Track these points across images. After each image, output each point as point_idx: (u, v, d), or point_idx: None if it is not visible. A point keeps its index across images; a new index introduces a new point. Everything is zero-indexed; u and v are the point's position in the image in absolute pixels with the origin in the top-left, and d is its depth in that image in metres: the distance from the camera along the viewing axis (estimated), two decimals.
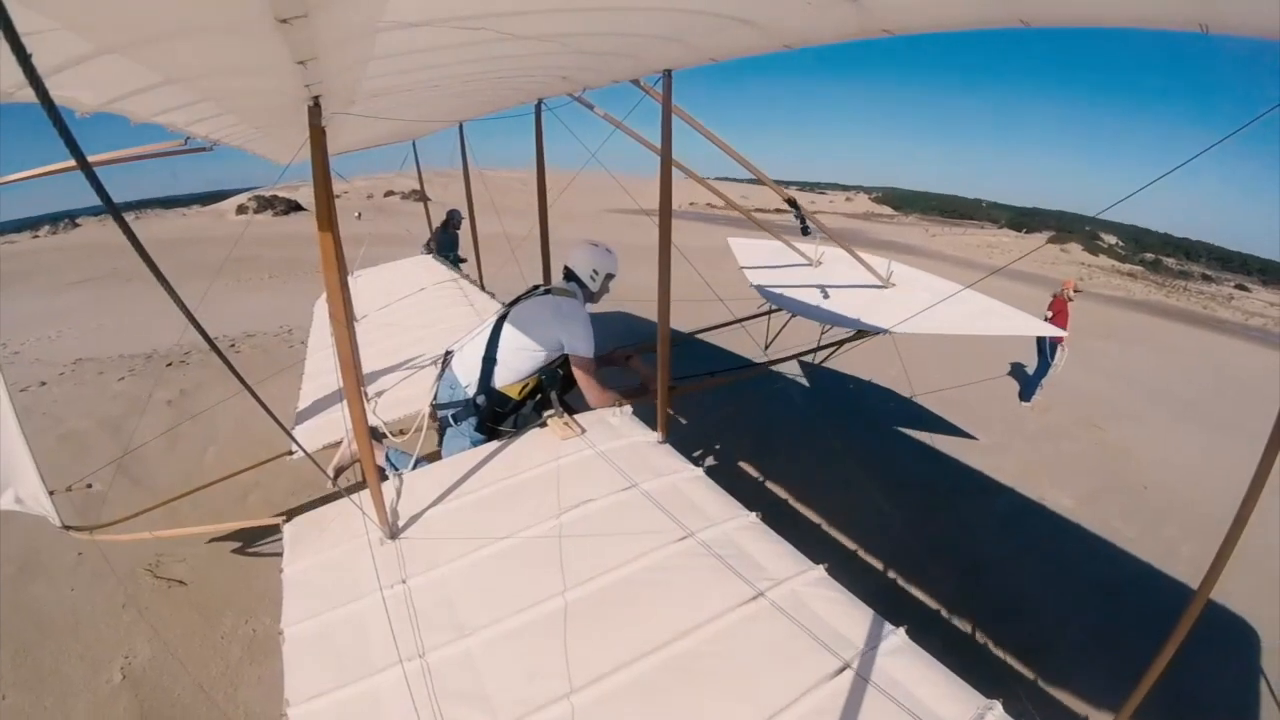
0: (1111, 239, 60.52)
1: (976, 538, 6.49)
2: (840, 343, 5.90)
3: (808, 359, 6.19)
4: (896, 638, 2.16)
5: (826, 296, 5.79)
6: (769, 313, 6.63)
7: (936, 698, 1.93)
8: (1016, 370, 11.79)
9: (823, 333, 5.90)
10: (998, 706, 1.89)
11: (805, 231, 5.48)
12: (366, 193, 35.95)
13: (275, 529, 3.09)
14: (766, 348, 6.24)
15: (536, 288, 3.95)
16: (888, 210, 75.18)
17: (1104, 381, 12.43)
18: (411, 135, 7.66)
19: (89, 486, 5.92)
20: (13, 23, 0.88)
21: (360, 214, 31.17)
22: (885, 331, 5.44)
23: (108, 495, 5.37)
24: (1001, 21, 1.54)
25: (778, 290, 6.04)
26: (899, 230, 51.56)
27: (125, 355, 10.22)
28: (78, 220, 35.91)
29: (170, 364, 9.63)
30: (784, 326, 6.57)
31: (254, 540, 5.34)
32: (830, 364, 6.76)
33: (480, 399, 3.62)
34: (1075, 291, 10.47)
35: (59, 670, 4.19)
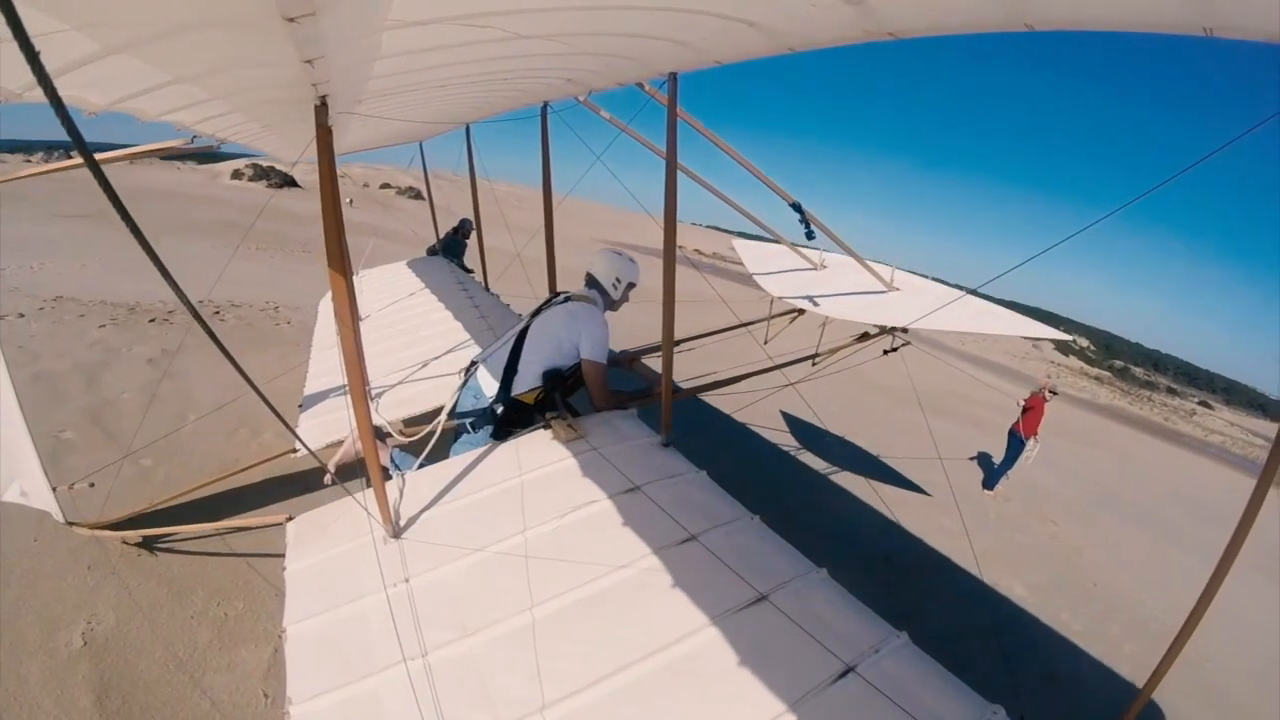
0: (1084, 342, 62.75)
1: (930, 615, 6.43)
2: (842, 347, 5.91)
3: (804, 366, 6.18)
4: (899, 641, 2.16)
5: (835, 297, 5.81)
6: (775, 316, 6.64)
7: (940, 701, 1.93)
8: (983, 460, 11.93)
9: (820, 339, 5.92)
10: (1001, 712, 1.89)
11: (810, 236, 5.48)
12: (362, 180, 35.85)
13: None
14: (766, 342, 6.23)
15: (557, 295, 3.95)
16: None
17: (1061, 479, 12.61)
18: (418, 136, 7.68)
19: (91, 485, 5.95)
20: (23, 25, 0.88)
21: (352, 200, 31.19)
22: (891, 331, 5.46)
23: (111, 490, 5.33)
24: (1005, 25, 1.54)
25: (785, 290, 6.05)
26: None
27: (108, 302, 9.98)
28: (72, 153, 35.89)
29: (153, 319, 9.45)
30: (784, 329, 6.57)
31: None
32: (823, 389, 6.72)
33: (499, 407, 3.65)
34: (1052, 392, 10.60)
35: (14, 624, 3.90)
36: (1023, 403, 10.56)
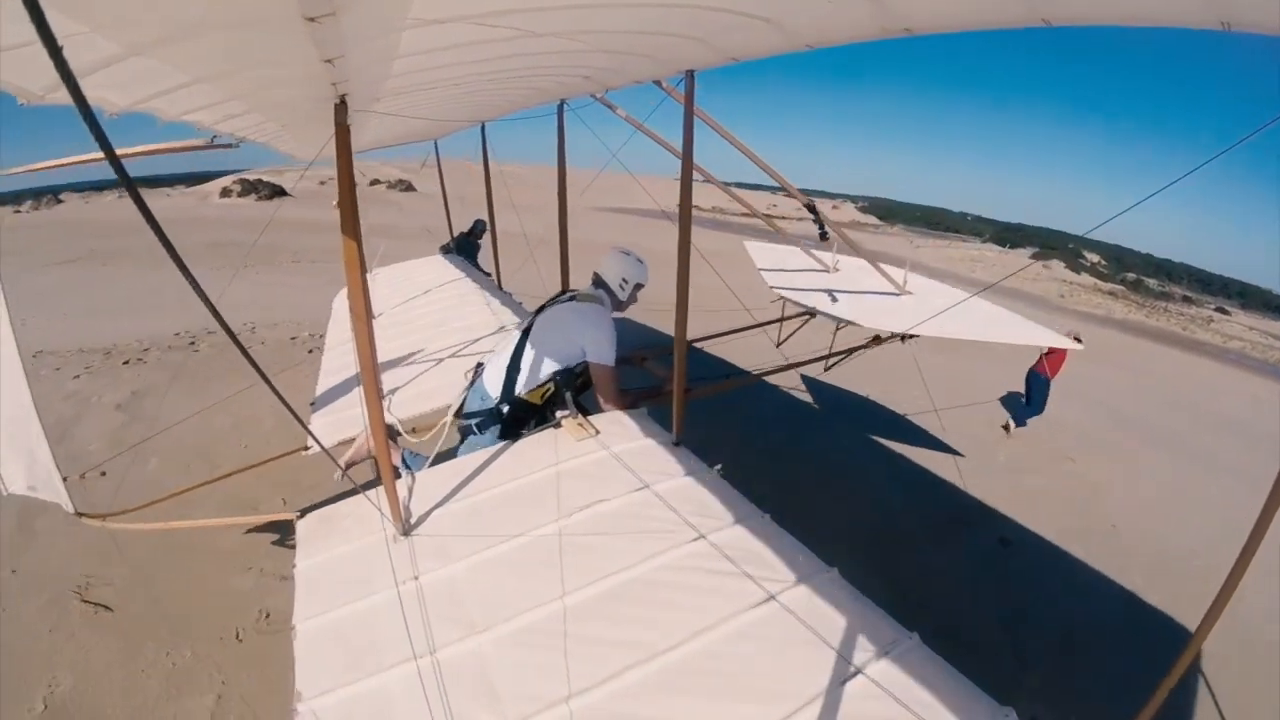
0: (1094, 257, 60.86)
1: (947, 574, 6.37)
2: (855, 349, 5.90)
3: (818, 366, 6.18)
4: (910, 642, 2.16)
5: (846, 300, 5.80)
6: (788, 318, 6.64)
7: (950, 704, 1.92)
8: (1010, 400, 11.52)
9: (833, 340, 5.91)
10: (1013, 714, 1.88)
11: (823, 237, 5.47)
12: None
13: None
14: (779, 344, 6.23)
15: (562, 294, 3.95)
16: (873, 220, 75.20)
17: (1076, 408, 12.12)
18: (434, 135, 7.71)
19: (102, 474, 6.01)
20: (49, 26, 0.90)
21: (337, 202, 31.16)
22: (902, 336, 5.44)
23: (122, 482, 5.40)
24: (1023, 21, 1.53)
25: (796, 292, 6.05)
26: (883, 241, 51.48)
27: (84, 350, 10.19)
28: (61, 196, 36.20)
29: (127, 361, 9.67)
30: (798, 329, 6.57)
31: (223, 543, 5.33)
32: (836, 378, 6.69)
33: (504, 407, 3.63)
34: (1077, 340, 9.92)
35: None
36: (1044, 351, 10.12)
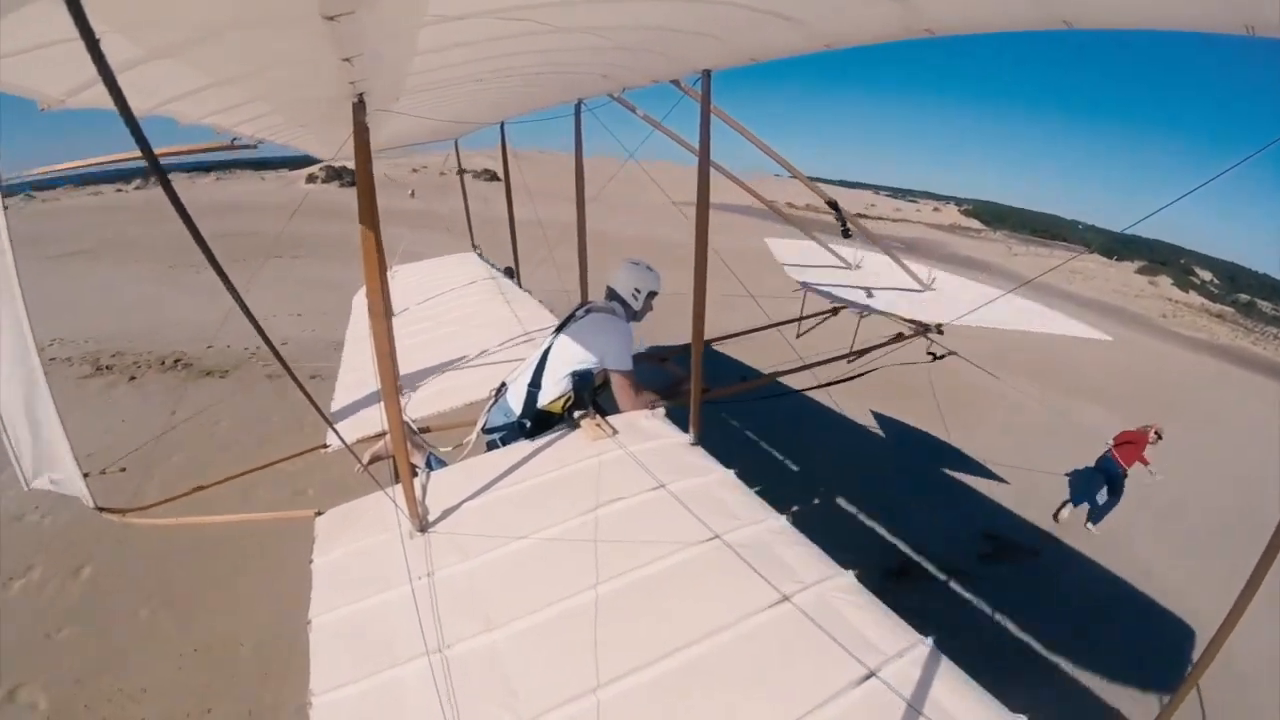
0: (1206, 275, 56.46)
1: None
2: (877, 346, 5.85)
3: (838, 368, 6.14)
4: (924, 647, 2.14)
5: (870, 296, 5.78)
6: (808, 316, 6.60)
7: (964, 710, 1.91)
8: (1079, 482, 9.28)
9: (854, 337, 5.87)
10: None
11: (846, 234, 5.43)
12: (438, 169, 36.00)
13: None
14: (799, 336, 6.19)
15: (580, 307, 4.02)
16: (975, 224, 72.32)
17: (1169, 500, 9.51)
18: (454, 134, 7.72)
19: (122, 470, 6.07)
20: (92, 29, 0.90)
21: (414, 192, 31.28)
22: (928, 329, 5.41)
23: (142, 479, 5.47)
24: (1045, 23, 1.51)
25: (819, 287, 6.03)
26: (979, 245, 49.83)
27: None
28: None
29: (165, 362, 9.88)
30: (817, 325, 6.53)
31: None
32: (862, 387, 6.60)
33: (526, 421, 3.71)
34: (1158, 435, 8.64)
35: None
36: (1112, 441, 8.81)
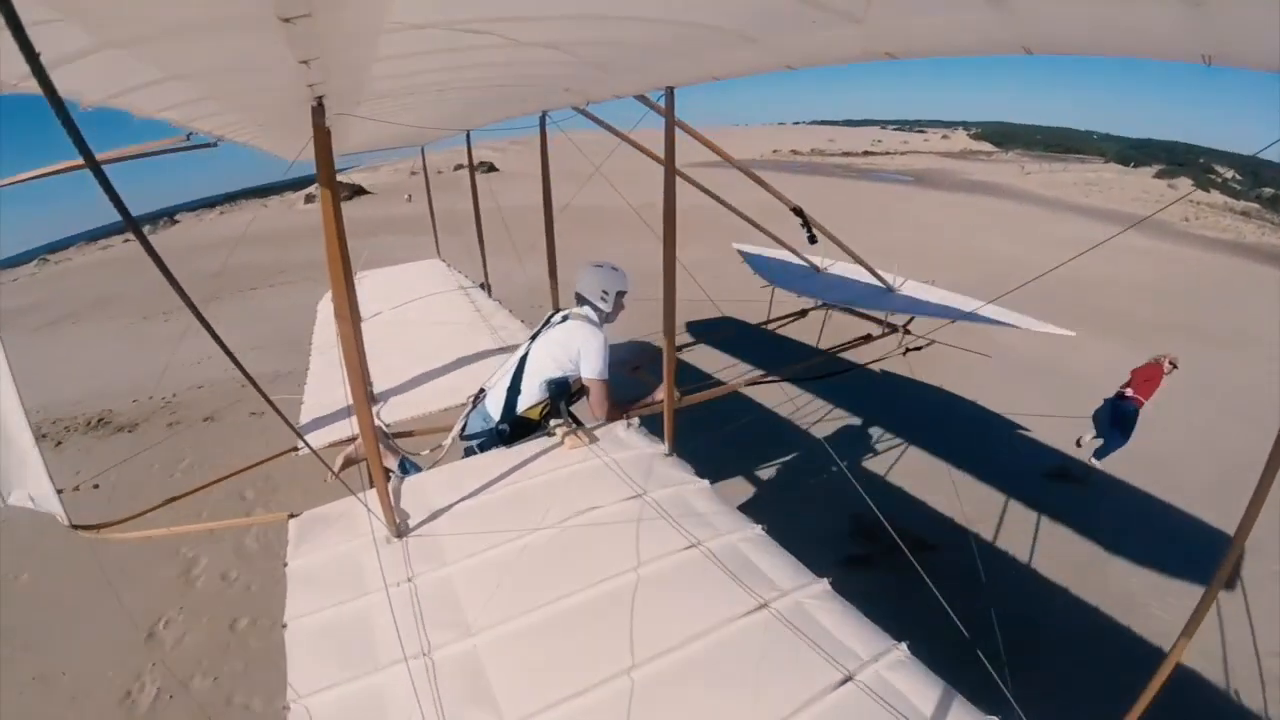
0: (1227, 173, 53.15)
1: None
2: (847, 344, 5.92)
3: (808, 370, 6.20)
4: (899, 652, 2.19)
5: (833, 297, 5.89)
6: (781, 319, 6.67)
7: (937, 713, 1.95)
8: (1105, 417, 8.56)
9: (819, 337, 5.93)
10: None
11: (812, 240, 5.49)
12: (436, 168, 35.27)
13: None
14: (767, 324, 6.23)
15: (554, 314, 4.03)
16: (986, 147, 71.21)
17: (1185, 438, 9.12)
18: (420, 141, 7.68)
19: (95, 486, 5.95)
20: (16, 13, 0.87)
21: (410, 196, 31.04)
22: (895, 329, 5.48)
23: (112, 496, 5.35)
24: (1005, 49, 1.54)
25: (786, 286, 6.12)
26: (991, 169, 48.52)
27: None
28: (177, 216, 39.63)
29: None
30: (786, 324, 6.59)
31: None
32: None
33: (505, 428, 3.75)
34: (1173, 365, 8.27)
35: None
36: (1130, 375, 8.34)
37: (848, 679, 2.06)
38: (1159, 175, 48.09)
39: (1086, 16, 1.34)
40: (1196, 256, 21.99)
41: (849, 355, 5.89)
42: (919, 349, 5.88)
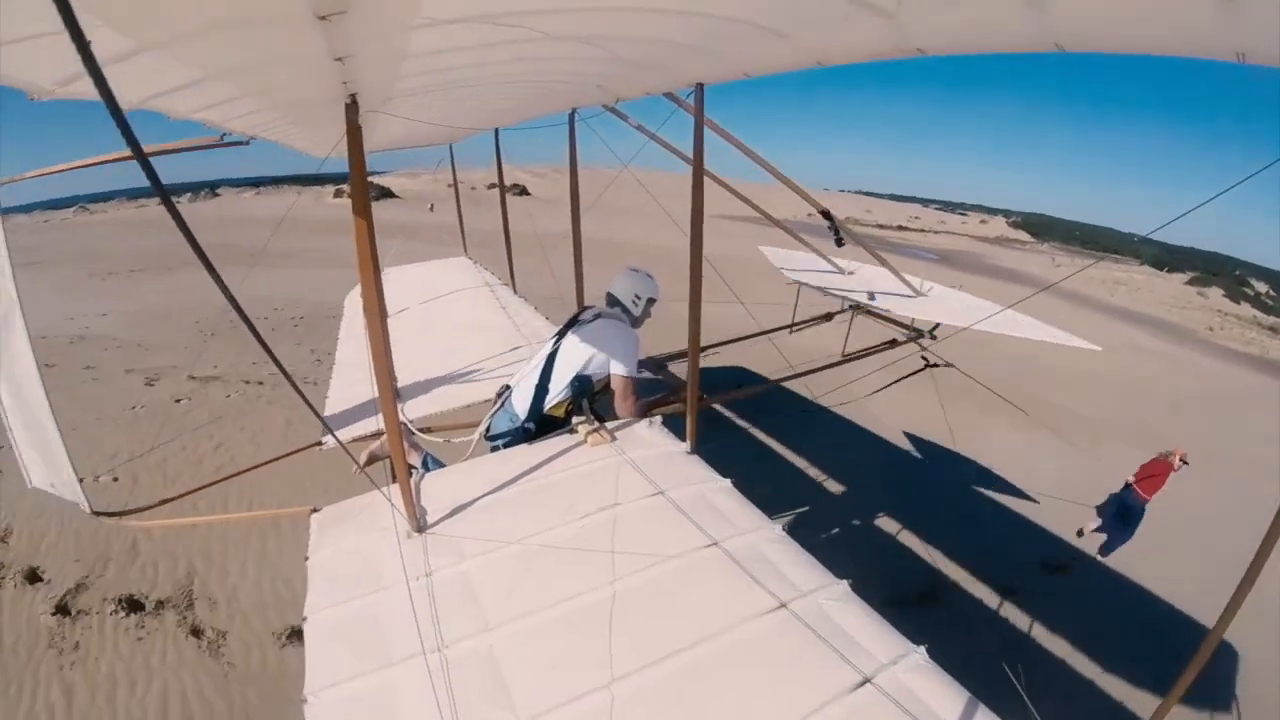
0: (1262, 287, 51.76)
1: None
2: (871, 350, 5.87)
3: (832, 379, 6.16)
4: (918, 656, 2.17)
5: (865, 299, 5.85)
6: (804, 323, 6.63)
7: (953, 716, 1.94)
8: (1112, 513, 8.36)
9: (846, 341, 5.89)
10: None
11: (839, 243, 5.46)
12: (470, 184, 35.67)
13: None
14: (792, 332, 6.20)
15: (583, 311, 4.05)
16: (1023, 236, 70.61)
17: (1192, 540, 8.76)
18: (449, 138, 7.71)
19: (115, 479, 6.04)
20: (76, 19, 0.89)
21: (433, 206, 31.39)
22: (921, 334, 5.42)
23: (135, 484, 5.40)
24: (1037, 46, 1.53)
25: (813, 285, 6.10)
26: (1022, 257, 48.21)
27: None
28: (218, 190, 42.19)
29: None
30: (811, 324, 6.55)
31: None
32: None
33: (530, 425, 3.75)
34: (1184, 462, 7.95)
35: None
36: (1135, 474, 8.09)
37: (865, 681, 2.05)
38: (1191, 282, 47.11)
39: (1119, 12, 1.33)
40: (1211, 366, 21.34)
41: (872, 361, 5.87)
42: (936, 365, 5.81)
